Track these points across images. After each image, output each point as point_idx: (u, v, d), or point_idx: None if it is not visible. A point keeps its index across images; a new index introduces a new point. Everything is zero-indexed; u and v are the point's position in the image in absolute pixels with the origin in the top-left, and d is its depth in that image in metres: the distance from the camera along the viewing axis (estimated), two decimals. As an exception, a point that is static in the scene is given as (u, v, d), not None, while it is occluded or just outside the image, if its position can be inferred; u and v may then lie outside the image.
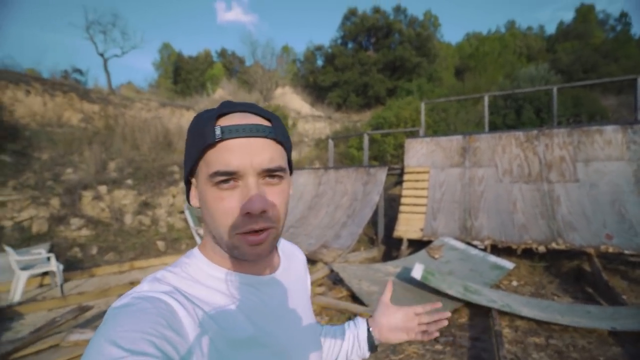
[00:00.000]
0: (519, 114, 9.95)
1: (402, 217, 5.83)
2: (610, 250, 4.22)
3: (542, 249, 4.53)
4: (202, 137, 0.45)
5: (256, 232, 0.45)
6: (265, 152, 0.45)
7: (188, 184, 0.52)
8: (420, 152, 6.40)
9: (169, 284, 0.46)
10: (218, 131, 0.44)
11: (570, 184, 5.06)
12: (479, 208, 5.39)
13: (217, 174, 0.44)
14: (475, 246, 4.82)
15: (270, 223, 0.47)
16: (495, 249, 4.78)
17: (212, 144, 0.44)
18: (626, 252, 4.17)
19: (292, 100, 16.94)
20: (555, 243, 4.51)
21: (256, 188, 0.45)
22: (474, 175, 5.78)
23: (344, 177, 7.13)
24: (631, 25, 22.66)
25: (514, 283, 4.27)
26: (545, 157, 5.37)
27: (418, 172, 6.22)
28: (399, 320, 0.74)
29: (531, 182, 5.31)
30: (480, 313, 3.29)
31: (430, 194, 5.90)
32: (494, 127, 9.84)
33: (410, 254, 5.12)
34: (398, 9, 20.53)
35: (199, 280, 0.49)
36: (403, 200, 6.06)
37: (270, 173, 0.46)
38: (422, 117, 7.23)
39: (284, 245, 0.66)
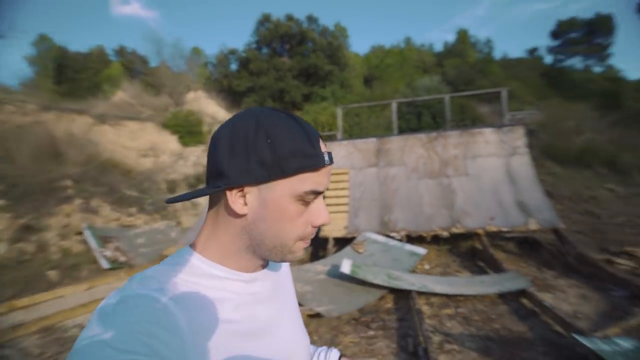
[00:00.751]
0: (419, 118, 11.37)
1: (327, 217, 6.08)
2: (494, 229, 5.17)
3: (446, 234, 5.28)
4: (309, 158, 0.46)
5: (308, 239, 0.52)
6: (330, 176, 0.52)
7: (228, 188, 0.48)
8: (339, 155, 6.79)
9: (160, 281, 0.44)
10: (327, 157, 0.48)
11: (463, 178, 6.01)
12: (394, 203, 5.99)
13: (312, 192, 0.48)
14: (393, 238, 5.34)
15: None
16: (410, 238, 5.38)
17: (322, 167, 0.48)
18: (503, 229, 5.16)
19: (206, 105, 16.09)
20: (455, 228, 5.30)
21: (324, 204, 0.52)
22: (387, 174, 6.39)
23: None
24: (493, 49, 27.96)
25: (427, 266, 4.87)
26: (443, 156, 6.27)
27: (338, 174, 6.58)
28: None
29: (434, 177, 6.14)
30: (403, 296, 3.66)
31: (351, 194, 6.30)
32: (400, 131, 11.04)
33: (336, 251, 5.38)
34: (310, 18, 21.37)
35: (193, 276, 0.48)
36: (326, 200, 6.33)
37: None
38: (339, 122, 7.69)
39: None
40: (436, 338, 2.76)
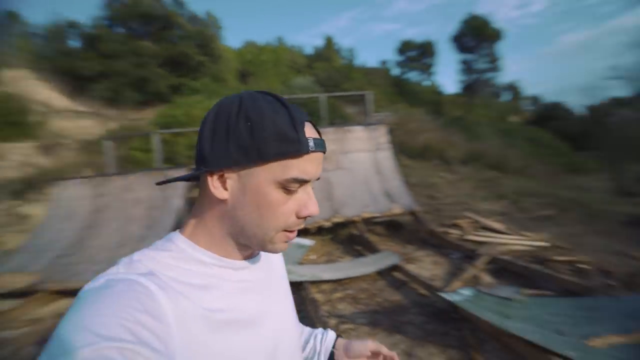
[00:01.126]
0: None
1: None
2: (367, 216, 5.87)
3: (328, 224, 5.68)
4: (292, 143, 0.44)
5: (293, 231, 0.50)
6: (322, 164, 0.50)
7: (209, 172, 0.47)
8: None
9: (146, 266, 0.43)
10: (312, 143, 0.46)
11: (339, 171, 6.58)
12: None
13: (295, 180, 0.46)
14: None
15: None
16: (297, 232, 5.55)
17: (305, 154, 0.46)
18: (375, 215, 5.93)
19: (34, 89, 12.48)
20: (336, 218, 5.76)
21: (313, 195, 0.51)
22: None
23: (134, 184, 6.05)
24: (355, 57, 31.71)
25: (313, 256, 5.13)
26: (322, 151, 6.69)
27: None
28: (361, 355, 0.70)
29: (315, 172, 6.49)
30: (297, 289, 3.74)
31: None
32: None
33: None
34: (177, 1, 19.26)
35: (180, 261, 0.47)
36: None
37: None
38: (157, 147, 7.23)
39: None
40: (332, 321, 2.94)
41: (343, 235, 5.90)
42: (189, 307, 0.42)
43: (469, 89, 30.14)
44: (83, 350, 0.31)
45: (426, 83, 35.36)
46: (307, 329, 0.80)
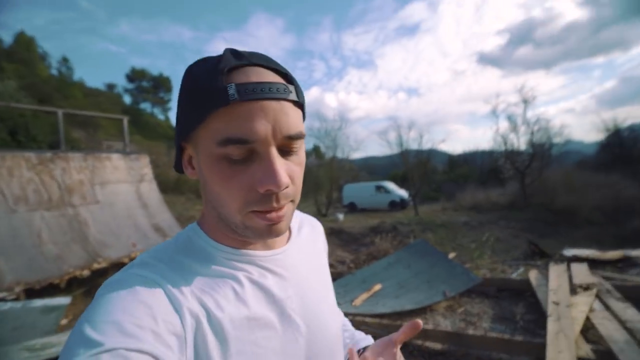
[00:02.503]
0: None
1: None
2: (139, 254, 5.10)
3: (86, 272, 4.41)
4: (209, 95, 0.35)
5: (269, 211, 0.39)
6: (287, 116, 0.38)
7: (180, 150, 0.44)
8: None
9: (161, 262, 0.40)
10: (232, 90, 0.35)
11: (93, 206, 5.31)
12: (-9, 250, 4.01)
13: (229, 141, 0.36)
14: (4, 299, 3.59)
15: (290, 198, 0.41)
16: (34, 292, 3.89)
17: (224, 106, 0.35)
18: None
19: None
20: (97, 263, 4.59)
21: (278, 160, 0.37)
22: (-32, 208, 4.14)
23: None
24: (72, 70, 25.76)
25: (64, 321, 3.81)
26: (64, 181, 5.14)
27: None
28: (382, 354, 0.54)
29: (54, 208, 4.86)
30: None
31: None
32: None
33: None
34: None
35: (199, 259, 0.42)
36: None
37: (290, 141, 0.39)
38: None
39: (295, 216, 0.59)
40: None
41: (102, 285, 4.75)
42: (207, 305, 0.38)
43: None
44: (96, 349, 0.29)
45: (161, 117, 34.47)
46: (349, 328, 0.68)
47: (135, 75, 32.31)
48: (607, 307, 2.58)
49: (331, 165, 16.02)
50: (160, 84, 33.76)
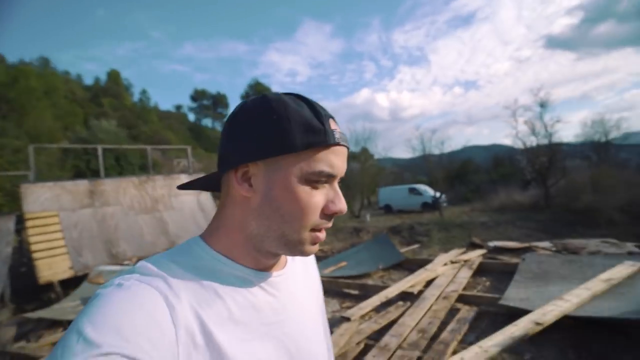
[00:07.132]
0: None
1: (41, 263, 5.73)
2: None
3: (168, 253, 7.08)
4: (316, 133, 0.43)
5: (320, 230, 0.46)
6: (346, 161, 0.48)
7: (230, 168, 0.46)
8: (43, 197, 6.42)
9: (160, 273, 0.41)
10: (337, 135, 0.44)
11: (171, 211, 8.06)
12: (118, 237, 6.84)
13: (321, 174, 0.43)
14: (127, 265, 6.32)
15: None
16: (141, 262, 6.62)
17: (327, 145, 0.43)
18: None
19: None
20: (174, 247, 7.25)
21: (340, 192, 0.47)
22: (105, 213, 7.04)
23: None
24: (150, 98, 31.04)
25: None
26: (153, 195, 7.96)
27: (44, 217, 6.27)
28: None
29: (148, 212, 7.66)
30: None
31: (66, 235, 6.30)
32: (79, 171, 10.70)
33: (66, 294, 5.49)
34: None
35: (195, 270, 0.44)
36: (34, 247, 5.87)
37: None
38: (32, 161, 6.96)
39: None
40: None
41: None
42: (198, 321, 0.39)
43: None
44: (86, 353, 0.30)
45: (219, 130, 38.98)
46: None
47: (197, 95, 37.39)
48: (457, 274, 4.28)
49: (366, 170, 17.22)
50: (218, 101, 38.48)
